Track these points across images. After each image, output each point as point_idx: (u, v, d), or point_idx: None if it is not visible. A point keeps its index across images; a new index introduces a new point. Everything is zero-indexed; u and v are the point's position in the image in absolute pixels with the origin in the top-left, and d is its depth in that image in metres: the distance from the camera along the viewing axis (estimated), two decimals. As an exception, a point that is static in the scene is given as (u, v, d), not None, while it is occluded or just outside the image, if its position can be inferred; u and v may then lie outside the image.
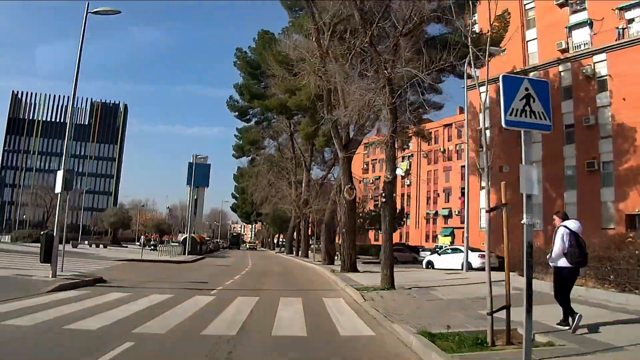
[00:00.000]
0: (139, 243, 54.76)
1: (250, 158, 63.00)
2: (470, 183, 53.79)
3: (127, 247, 58.20)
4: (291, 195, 53.65)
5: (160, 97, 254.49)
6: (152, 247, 43.49)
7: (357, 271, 26.68)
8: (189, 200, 52.85)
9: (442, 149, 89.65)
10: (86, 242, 56.39)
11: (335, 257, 37.53)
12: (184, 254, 45.46)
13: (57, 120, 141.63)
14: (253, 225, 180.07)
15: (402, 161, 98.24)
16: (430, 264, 35.55)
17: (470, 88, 51.87)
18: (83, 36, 19.24)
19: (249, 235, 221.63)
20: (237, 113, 59.60)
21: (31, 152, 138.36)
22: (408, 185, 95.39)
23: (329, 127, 34.82)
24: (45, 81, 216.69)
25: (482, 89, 45.96)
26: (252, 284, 20.17)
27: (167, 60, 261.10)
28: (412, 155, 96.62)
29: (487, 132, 50.34)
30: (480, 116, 50.21)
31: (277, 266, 36.09)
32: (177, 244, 50.18)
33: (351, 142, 27.99)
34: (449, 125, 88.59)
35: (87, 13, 19.01)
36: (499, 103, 7.54)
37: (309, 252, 54.00)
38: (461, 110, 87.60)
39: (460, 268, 32.63)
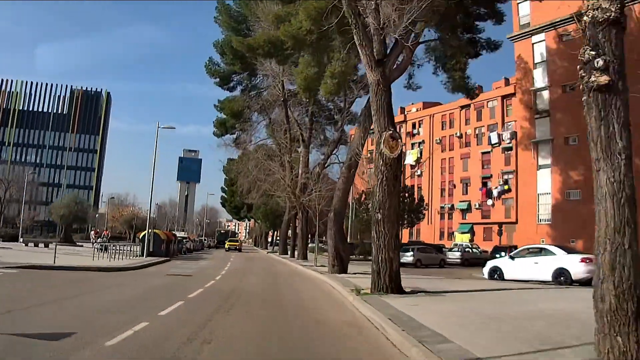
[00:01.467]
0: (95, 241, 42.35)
1: (235, 136, 50.41)
2: (521, 161, 42.16)
3: (82, 245, 46.42)
4: (285, 179, 41.40)
5: (157, 96, 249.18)
6: (101, 247, 31.62)
7: (403, 292, 14.62)
8: (151, 189, 40.55)
9: (458, 134, 77.96)
10: (22, 239, 44.22)
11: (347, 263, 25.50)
12: (143, 255, 34.30)
13: (35, 109, 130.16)
14: (247, 223, 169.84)
15: (412, 149, 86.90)
16: (495, 273, 23.52)
17: (519, 38, 40.20)
18: None
19: (243, 234, 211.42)
20: (218, 79, 47.49)
21: (6, 144, 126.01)
22: (419, 176, 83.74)
23: (340, 66, 22.91)
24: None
25: (537, 37, 34.10)
26: (184, 338, 8.09)
27: (163, 59, 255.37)
28: (423, 141, 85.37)
29: (545, 92, 38.57)
30: (536, 73, 38.23)
31: (261, 277, 23.77)
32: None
33: (389, 57, 15.72)
34: (466, 106, 76.74)
35: None
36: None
37: (308, 252, 42.16)
38: (481, 89, 76.15)
39: (550, 279, 21.02)
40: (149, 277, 20.37)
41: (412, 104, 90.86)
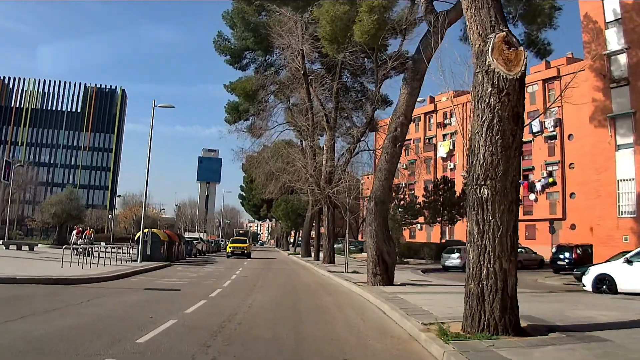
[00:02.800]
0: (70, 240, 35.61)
1: (250, 122, 43.71)
2: (594, 141, 35.12)
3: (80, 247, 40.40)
4: (307, 168, 34.85)
5: (179, 99, 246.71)
6: (83, 250, 25.53)
7: (524, 331, 8.06)
8: (147, 173, 34.25)
9: (495, 123, 70.42)
10: (1, 242, 38.15)
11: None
12: (138, 259, 28.42)
13: (48, 108, 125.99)
14: (269, 224, 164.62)
15: (444, 140, 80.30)
16: (603, 283, 16.88)
17: (587, -7, 33.33)
18: None
19: (265, 235, 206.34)
20: (228, 56, 41.26)
21: (19, 144, 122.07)
22: (452, 170, 76.77)
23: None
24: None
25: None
26: None
27: (183, 60, 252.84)
28: (455, 132, 78.55)
29: (622, 56, 31.57)
30: (609, 33, 31.27)
31: (276, 293, 16.82)
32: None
33: None
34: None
35: None
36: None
37: (330, 254, 35.70)
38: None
39: None
40: (113, 295, 14.03)
41: (442, 93, 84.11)
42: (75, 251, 26.72)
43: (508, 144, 7.60)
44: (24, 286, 14.84)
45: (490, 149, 7.61)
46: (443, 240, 52.93)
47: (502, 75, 7.47)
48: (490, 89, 7.55)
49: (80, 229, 32.68)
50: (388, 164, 18.06)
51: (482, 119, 7.70)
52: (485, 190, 7.68)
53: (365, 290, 15.87)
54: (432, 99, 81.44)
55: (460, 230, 68.02)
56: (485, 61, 7.61)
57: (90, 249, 25.49)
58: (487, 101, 7.60)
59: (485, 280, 7.85)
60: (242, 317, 10.61)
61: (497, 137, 7.57)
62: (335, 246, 39.55)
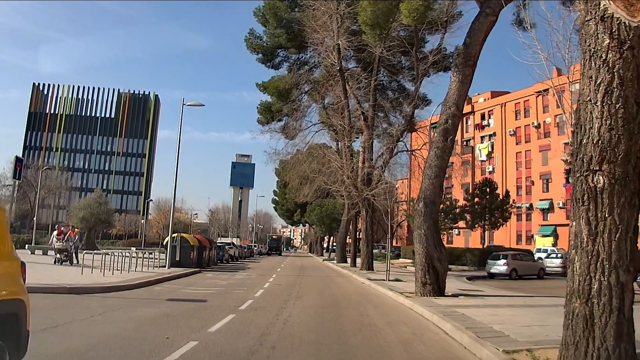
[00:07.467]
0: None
1: (283, 123, 42.18)
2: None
3: (107, 253, 38.79)
4: (344, 169, 33.04)
5: (214, 106, 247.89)
6: (64, 257, 23.45)
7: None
8: (176, 172, 32.76)
9: (535, 123, 68.25)
10: (27, 247, 36.97)
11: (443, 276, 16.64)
12: (166, 265, 26.85)
13: (82, 114, 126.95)
14: (302, 229, 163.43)
15: (482, 142, 77.87)
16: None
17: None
18: None
19: (299, 240, 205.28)
20: (260, 55, 39.92)
21: (53, 149, 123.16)
22: (490, 172, 74.19)
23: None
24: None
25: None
26: None
27: (218, 67, 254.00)
28: (494, 134, 76.24)
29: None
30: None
31: (314, 305, 15.12)
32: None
33: None
34: (544, 91, 66.68)
35: None
36: None
37: (369, 260, 33.71)
38: (559, 72, 66.28)
39: None
40: (130, 307, 12.40)
41: (479, 94, 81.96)
42: (56, 257, 24.96)
43: (631, 115, 5.60)
44: (34, 296, 13.27)
45: (608, 122, 5.62)
46: (484, 246, 50.61)
47: (624, 23, 5.51)
48: (607, 40, 5.56)
49: (62, 229, 28.94)
50: (438, 160, 16.08)
51: (596, 81, 5.69)
52: (601, 177, 5.71)
53: (415, 302, 13.95)
54: (469, 100, 79.02)
55: (501, 235, 65.50)
56: (600, 5, 5.68)
57: (72, 254, 23.32)
58: (604, 58, 5.61)
59: (596, 297, 5.91)
60: (277, 339, 8.82)
61: (617, 106, 5.57)
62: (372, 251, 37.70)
